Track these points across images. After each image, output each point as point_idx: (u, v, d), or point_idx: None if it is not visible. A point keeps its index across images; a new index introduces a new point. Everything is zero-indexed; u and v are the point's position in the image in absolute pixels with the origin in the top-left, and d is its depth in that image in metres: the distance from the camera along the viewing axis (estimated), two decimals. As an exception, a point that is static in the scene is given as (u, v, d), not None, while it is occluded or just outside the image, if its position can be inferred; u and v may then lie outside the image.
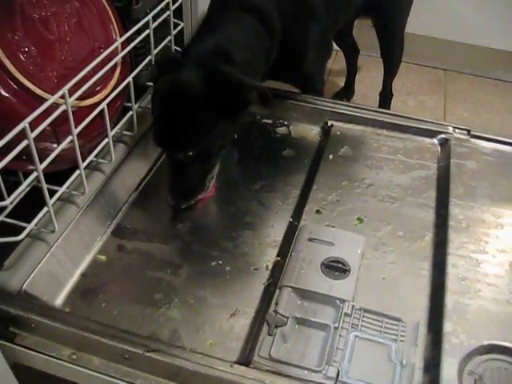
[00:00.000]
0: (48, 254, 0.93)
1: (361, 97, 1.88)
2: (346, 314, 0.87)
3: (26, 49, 0.86)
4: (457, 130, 1.23)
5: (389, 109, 1.69)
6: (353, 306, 0.89)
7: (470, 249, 0.98)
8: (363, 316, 0.88)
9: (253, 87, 1.03)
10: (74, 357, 0.83)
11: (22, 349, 0.84)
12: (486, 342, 0.84)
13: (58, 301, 0.92)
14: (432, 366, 0.82)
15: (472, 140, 1.22)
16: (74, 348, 0.83)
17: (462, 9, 1.88)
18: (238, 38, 1.09)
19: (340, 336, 0.85)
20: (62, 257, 0.95)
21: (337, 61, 2.06)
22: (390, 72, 1.65)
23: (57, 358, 0.83)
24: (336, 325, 0.86)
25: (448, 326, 0.86)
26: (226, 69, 1.00)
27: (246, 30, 1.11)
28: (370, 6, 1.48)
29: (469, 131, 1.23)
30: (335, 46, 1.87)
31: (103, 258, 0.99)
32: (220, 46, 1.04)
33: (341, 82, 1.92)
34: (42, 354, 0.83)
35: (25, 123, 0.77)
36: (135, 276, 0.97)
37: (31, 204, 0.91)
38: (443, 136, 1.24)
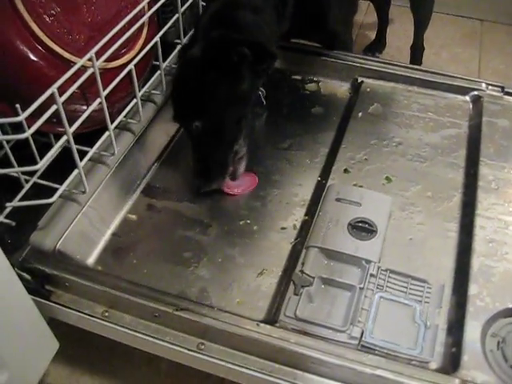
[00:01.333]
0: (80, 214, 0.95)
1: (393, 49, 1.83)
2: (371, 275, 0.88)
3: (53, 11, 0.86)
4: (490, 87, 1.21)
5: (420, 63, 1.64)
6: (378, 267, 0.90)
7: (498, 210, 0.98)
8: (389, 277, 0.89)
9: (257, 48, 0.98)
10: (107, 314, 0.86)
11: (58, 306, 0.88)
12: (510, 305, 0.84)
13: (91, 259, 0.95)
14: (456, 327, 0.83)
15: (506, 97, 1.20)
16: (107, 306, 0.87)
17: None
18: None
19: (365, 297, 0.86)
20: (94, 217, 0.97)
21: (368, 13, 2.01)
22: (420, 25, 1.60)
23: (90, 315, 0.87)
24: (361, 285, 0.87)
25: (473, 289, 0.86)
26: (220, 33, 0.98)
27: None
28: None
29: (503, 88, 1.20)
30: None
31: (134, 217, 1.02)
32: (225, 14, 1.02)
33: (372, 35, 1.87)
34: (77, 311, 0.87)
35: (53, 88, 0.78)
36: (165, 235, 0.99)
37: (63, 165, 0.93)
38: (476, 93, 1.21)
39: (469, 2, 1.98)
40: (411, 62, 1.66)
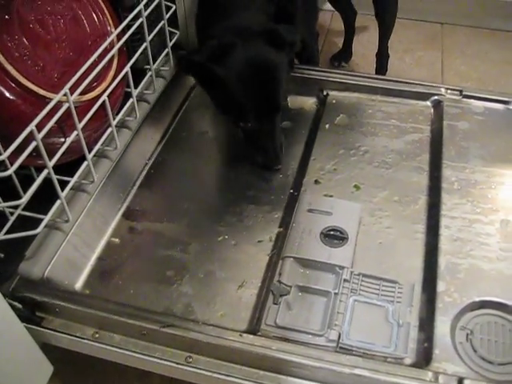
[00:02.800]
0: (65, 241, 0.99)
1: (359, 57, 1.89)
2: (345, 280, 0.94)
3: (26, 51, 0.90)
4: (449, 91, 1.27)
5: (386, 69, 1.71)
6: (351, 272, 0.95)
7: (462, 210, 1.04)
8: (361, 280, 0.95)
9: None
10: (97, 335, 0.90)
11: (49, 331, 0.92)
12: (477, 299, 0.90)
13: (78, 284, 0.99)
14: (426, 324, 0.89)
15: (464, 100, 1.25)
16: (96, 327, 0.91)
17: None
18: (252, 8, 1.14)
19: (340, 301, 0.91)
20: (79, 243, 1.01)
21: (334, 21, 2.08)
22: (385, 32, 1.65)
23: (81, 338, 0.90)
24: (336, 291, 0.92)
25: (441, 286, 0.92)
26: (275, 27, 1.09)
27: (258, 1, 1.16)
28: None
29: (461, 91, 1.26)
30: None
31: (116, 240, 1.06)
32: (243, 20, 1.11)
33: (339, 42, 1.94)
34: (68, 334, 0.91)
35: (32, 126, 0.82)
36: (147, 255, 1.03)
37: (45, 194, 0.96)
38: (436, 98, 1.27)
39: (428, 6, 2.04)
40: (377, 70, 1.71)
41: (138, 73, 1.22)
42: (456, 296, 0.91)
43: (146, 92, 1.23)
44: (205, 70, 1.07)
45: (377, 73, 1.71)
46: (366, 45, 1.91)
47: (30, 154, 0.86)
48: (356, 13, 1.80)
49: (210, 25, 1.14)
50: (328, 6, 1.91)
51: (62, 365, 1.02)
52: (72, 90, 0.91)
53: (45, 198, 0.97)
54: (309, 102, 1.31)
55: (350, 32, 1.86)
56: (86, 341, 0.90)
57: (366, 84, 1.31)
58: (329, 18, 2.11)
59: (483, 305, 0.90)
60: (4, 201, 0.90)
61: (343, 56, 1.89)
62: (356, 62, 1.89)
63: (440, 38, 1.99)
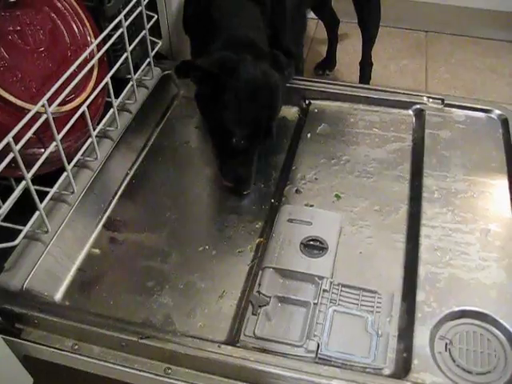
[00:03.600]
0: (45, 252, 0.99)
1: (343, 66, 1.90)
2: (324, 290, 0.94)
3: (4, 62, 0.90)
4: (431, 100, 1.28)
5: (369, 78, 1.72)
6: (331, 282, 0.95)
7: (442, 219, 1.04)
8: (341, 291, 0.95)
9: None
10: (76, 347, 0.89)
11: (29, 343, 0.91)
12: (456, 308, 0.90)
13: (58, 295, 0.98)
14: (406, 334, 0.89)
15: (446, 109, 1.26)
16: (76, 339, 0.90)
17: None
18: (253, 24, 1.17)
19: (319, 311, 0.91)
20: (58, 254, 1.01)
21: (318, 30, 2.08)
22: (368, 40, 1.66)
23: (60, 349, 0.90)
24: (315, 301, 0.92)
25: (420, 296, 0.92)
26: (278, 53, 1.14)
27: (254, 15, 1.18)
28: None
29: (443, 100, 1.27)
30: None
31: (97, 251, 1.05)
32: (246, 37, 1.14)
33: (323, 51, 1.94)
34: (47, 346, 0.90)
35: (8, 138, 0.81)
36: (128, 266, 1.03)
37: (25, 205, 0.96)
38: (418, 106, 1.28)
39: (413, 14, 2.06)
40: (360, 78, 1.73)
41: (120, 82, 1.22)
42: (435, 306, 0.91)
43: (127, 102, 1.23)
44: (211, 79, 1.07)
45: (360, 81, 1.73)
46: (350, 53, 1.92)
47: (9, 165, 0.86)
48: (339, 21, 1.81)
49: (209, 39, 1.15)
50: (312, 14, 1.92)
51: (44, 374, 1.02)
52: (51, 100, 0.91)
53: (26, 208, 0.97)
54: (291, 111, 1.32)
55: (333, 41, 1.87)
56: (65, 352, 0.90)
57: (348, 93, 1.31)
58: (313, 26, 2.12)
59: (462, 314, 0.90)
60: (-16, 212, 0.90)
61: (327, 65, 1.90)
62: (340, 70, 1.90)
63: (424, 46, 2.00)
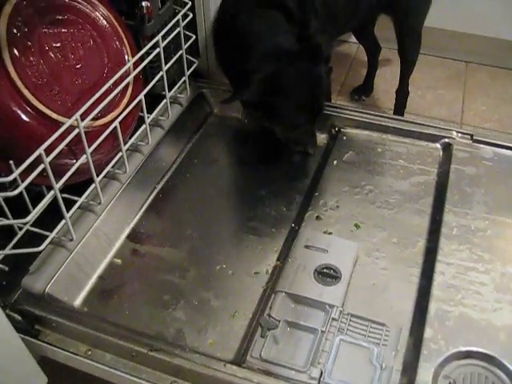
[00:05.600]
0: (68, 259, 1.03)
1: (379, 92, 1.90)
2: (333, 319, 0.95)
3: (43, 76, 0.95)
4: (460, 135, 1.28)
5: (405, 106, 1.72)
6: (340, 312, 0.96)
7: (458, 256, 1.04)
8: (350, 320, 0.96)
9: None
10: (90, 353, 0.93)
11: (45, 344, 0.95)
12: (463, 348, 0.90)
13: (78, 301, 1.02)
14: (410, 369, 0.89)
15: (474, 145, 1.26)
16: (90, 345, 0.94)
17: (482, 1, 1.88)
18: (281, 31, 1.19)
19: (326, 339, 0.93)
20: (82, 261, 1.05)
21: (359, 54, 2.10)
22: (406, 69, 1.66)
23: (74, 354, 0.94)
24: (323, 328, 0.94)
25: (428, 332, 0.92)
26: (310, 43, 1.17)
27: (280, 23, 1.20)
28: (385, 3, 1.51)
29: (472, 136, 1.26)
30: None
31: (119, 261, 1.09)
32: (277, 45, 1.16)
33: (360, 75, 1.95)
34: (62, 349, 0.95)
35: (40, 150, 0.86)
36: (147, 278, 1.06)
37: (55, 212, 1.01)
38: (446, 140, 1.28)
39: (454, 44, 2.04)
40: (396, 106, 1.72)
41: (156, 98, 1.26)
42: (442, 343, 0.91)
43: (160, 118, 1.27)
44: (260, 104, 1.15)
45: (395, 109, 1.73)
46: (387, 80, 1.93)
47: (41, 174, 0.91)
48: (380, 48, 1.82)
49: (242, 57, 1.16)
50: (353, 38, 1.93)
51: (59, 375, 1.06)
52: (85, 115, 0.95)
53: (55, 215, 1.01)
54: (320, 137, 1.33)
55: (372, 67, 1.87)
56: (78, 357, 0.94)
57: (378, 123, 1.33)
58: (354, 50, 2.13)
59: (469, 355, 0.90)
60: (17, 216, 0.95)
61: (364, 90, 1.91)
62: (376, 96, 1.91)
63: (463, 77, 1.99)
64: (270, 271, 1.06)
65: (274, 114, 1.17)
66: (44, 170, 0.90)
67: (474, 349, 0.90)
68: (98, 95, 0.97)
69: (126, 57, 1.10)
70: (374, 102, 1.88)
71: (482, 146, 1.26)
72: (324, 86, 1.20)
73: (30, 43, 0.95)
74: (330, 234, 1.11)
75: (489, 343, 0.91)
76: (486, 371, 0.89)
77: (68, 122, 0.92)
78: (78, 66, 1.02)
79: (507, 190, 1.17)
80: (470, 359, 0.90)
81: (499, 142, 1.26)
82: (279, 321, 0.95)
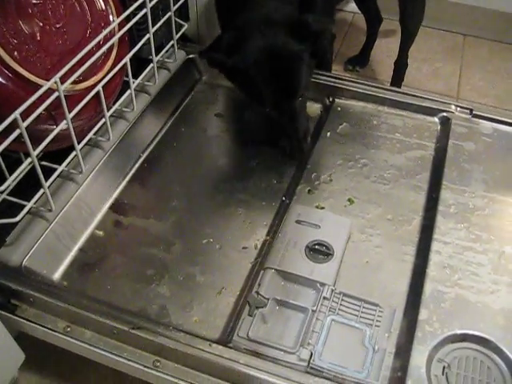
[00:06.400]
0: (47, 230, 0.98)
1: (375, 63, 1.84)
2: (324, 298, 0.91)
3: (22, 37, 0.89)
4: (459, 109, 1.23)
5: (402, 79, 1.67)
6: (332, 290, 0.92)
7: (455, 235, 1.00)
8: (342, 300, 0.92)
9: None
10: (69, 329, 0.89)
11: (22, 320, 0.91)
12: (458, 331, 0.87)
13: (57, 275, 0.98)
14: (403, 352, 0.86)
15: (474, 119, 1.22)
16: (69, 321, 0.90)
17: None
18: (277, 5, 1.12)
19: (317, 319, 0.89)
20: (61, 233, 1.00)
21: (354, 23, 2.04)
22: (406, 40, 1.60)
23: (53, 330, 0.89)
24: (314, 308, 0.90)
25: (423, 314, 0.89)
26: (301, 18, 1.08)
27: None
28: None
29: (471, 110, 1.22)
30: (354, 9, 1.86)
31: (101, 233, 1.05)
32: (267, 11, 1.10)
33: (357, 45, 1.88)
34: (40, 325, 0.90)
35: (16, 114, 0.80)
36: (130, 252, 1.02)
37: (34, 180, 0.96)
38: (445, 114, 1.24)
39: (452, 16, 1.98)
40: (393, 78, 1.67)
41: (143, 63, 1.20)
42: (437, 326, 0.87)
43: (147, 83, 1.21)
44: (223, 63, 1.07)
45: (393, 81, 1.67)
46: (383, 51, 1.87)
47: (18, 140, 0.85)
48: (381, 20, 1.75)
49: (234, 15, 1.12)
50: (350, 7, 1.86)
51: (37, 351, 1.02)
52: (65, 78, 0.89)
53: (36, 185, 0.95)
54: (313, 108, 1.28)
55: (371, 38, 1.81)
56: (57, 334, 0.89)
57: (374, 94, 1.28)
58: (350, 18, 2.06)
59: (464, 338, 0.87)
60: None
61: (359, 61, 1.84)
62: (372, 68, 1.85)
63: (461, 50, 1.93)
64: (259, 246, 1.02)
65: (235, 80, 1.12)
66: (21, 135, 0.84)
67: (470, 332, 0.87)
68: (79, 57, 0.91)
69: (111, 17, 1.03)
70: (369, 74, 1.82)
71: (481, 121, 1.22)
72: (299, 67, 1.08)
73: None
74: (323, 208, 1.06)
75: (485, 326, 0.88)
76: (481, 355, 0.86)
77: (47, 85, 0.86)
78: (58, 26, 0.95)
79: (507, 168, 1.13)
80: (466, 343, 0.87)
81: (499, 118, 1.22)
82: (268, 299, 0.91)
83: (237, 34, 1.06)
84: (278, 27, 1.06)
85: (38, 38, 0.92)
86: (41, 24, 0.92)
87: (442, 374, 0.83)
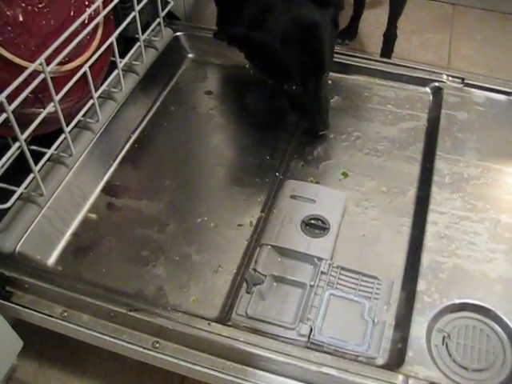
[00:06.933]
0: (39, 215, 0.96)
1: (364, 36, 1.82)
2: (322, 273, 0.91)
3: (4, 18, 0.86)
4: (450, 78, 1.22)
5: (392, 50, 1.65)
6: (330, 265, 0.92)
7: (451, 205, 1.00)
8: (340, 274, 0.92)
9: None
10: (65, 314, 0.88)
11: (18, 307, 0.90)
12: (457, 301, 0.87)
13: (51, 260, 0.97)
14: (403, 323, 0.86)
15: (466, 89, 1.21)
16: (65, 306, 0.89)
17: None
18: None
19: (315, 294, 0.88)
20: (54, 217, 0.99)
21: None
22: (395, 11, 1.58)
23: (49, 316, 0.89)
24: (312, 283, 0.89)
25: (421, 285, 0.89)
26: None
27: None
28: None
29: (463, 79, 1.21)
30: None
31: (94, 216, 1.03)
32: None
33: (344, 18, 1.85)
34: (37, 311, 0.89)
35: (1, 98, 0.78)
36: (124, 234, 1.01)
37: (24, 165, 0.94)
38: (436, 84, 1.23)
39: (441, -16, 1.97)
40: (383, 50, 1.66)
41: (130, 42, 1.18)
42: (436, 296, 0.87)
43: (134, 63, 1.19)
44: (247, 38, 1.06)
45: (382, 53, 1.66)
46: (371, 23, 1.85)
47: (5, 124, 0.83)
48: (368, -8, 1.74)
49: None
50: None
51: (35, 337, 1.02)
52: (50, 59, 0.87)
53: (26, 169, 0.94)
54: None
55: (358, 10, 1.79)
56: (54, 319, 0.89)
57: (365, 66, 1.27)
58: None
59: (463, 307, 0.87)
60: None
61: (348, 34, 1.82)
62: (361, 40, 1.83)
63: (450, 20, 1.91)
64: (254, 223, 1.01)
65: (257, 57, 1.09)
66: (8, 119, 0.83)
67: (469, 301, 0.87)
68: (64, 37, 0.89)
69: (95, -6, 1.01)
70: (358, 46, 1.81)
71: (473, 90, 1.21)
72: (327, 41, 1.06)
73: (-14, -19, 0.86)
74: (317, 183, 1.06)
75: (484, 295, 0.88)
76: (480, 324, 0.86)
77: (32, 67, 0.84)
78: (40, 6, 0.92)
79: (500, 136, 1.12)
80: (465, 312, 0.87)
81: (491, 86, 1.21)
82: (265, 275, 0.90)
83: (258, 6, 1.04)
84: None
85: (21, 19, 0.89)
86: (23, 5, 0.89)
87: (442, 343, 0.83)
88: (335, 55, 1.26)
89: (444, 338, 0.84)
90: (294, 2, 1.04)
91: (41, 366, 1.07)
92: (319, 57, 1.05)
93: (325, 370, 0.78)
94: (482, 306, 0.87)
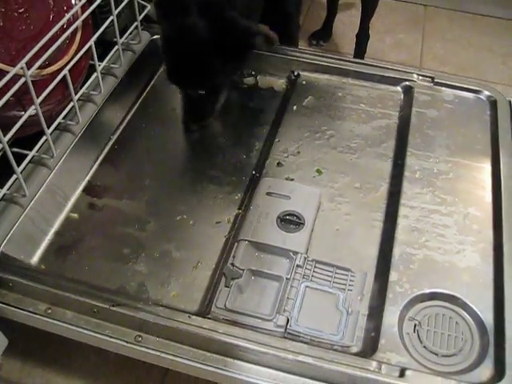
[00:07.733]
0: (22, 216, 0.98)
1: (339, 37, 1.87)
2: (298, 266, 0.94)
3: (-16, 23, 0.89)
4: (421, 77, 1.26)
5: (365, 51, 1.69)
6: (305, 258, 0.95)
7: (421, 199, 1.04)
8: (315, 267, 0.95)
9: (259, 33, 1.09)
10: (50, 311, 0.90)
11: (3, 305, 0.91)
12: (427, 290, 0.91)
13: (34, 259, 0.99)
14: (376, 313, 0.89)
15: (435, 87, 1.25)
16: (49, 303, 0.90)
17: None
18: None
19: (291, 286, 0.91)
20: (36, 218, 1.01)
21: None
22: (367, 12, 1.63)
23: (34, 313, 0.90)
24: (288, 276, 0.92)
25: (393, 276, 0.92)
26: (231, 14, 1.06)
27: None
28: None
29: (433, 78, 1.25)
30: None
31: (75, 215, 1.05)
32: None
33: (319, 20, 1.90)
34: (21, 309, 0.91)
35: (-19, 101, 0.81)
36: (105, 232, 1.03)
37: (4, 168, 0.96)
38: (407, 83, 1.26)
39: (412, -13, 2.02)
40: (356, 51, 1.70)
41: (108, 45, 1.20)
42: (407, 286, 0.91)
43: (113, 66, 1.22)
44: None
45: (355, 54, 1.70)
46: (345, 24, 1.89)
47: (-12, 126, 0.86)
48: (341, -6, 1.78)
49: None
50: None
51: (20, 336, 1.03)
52: (31, 63, 0.89)
53: (8, 171, 0.96)
54: (279, 82, 1.30)
55: (332, 12, 1.83)
56: (38, 316, 0.90)
57: (338, 66, 1.30)
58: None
59: (433, 296, 0.91)
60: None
61: (322, 35, 1.86)
62: (335, 41, 1.87)
63: (422, 21, 1.97)
64: (231, 220, 1.04)
65: None
66: (-9, 123, 0.85)
67: (438, 290, 0.91)
68: (43, 41, 0.91)
69: (73, 0, 1.03)
70: (333, 47, 1.85)
71: (443, 88, 1.25)
72: (199, 54, 1.07)
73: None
74: (292, 180, 1.09)
75: (453, 284, 0.91)
76: (450, 312, 0.89)
77: (13, 71, 0.86)
78: (20, 11, 0.95)
79: (468, 133, 1.16)
80: (435, 301, 0.91)
81: (460, 85, 1.25)
82: (243, 270, 0.93)
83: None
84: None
85: (1, 24, 0.92)
86: (2, 9, 0.92)
87: (414, 331, 0.87)
88: (309, 56, 1.33)
89: (415, 325, 0.88)
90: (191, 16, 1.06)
91: (25, 364, 1.09)
92: (188, 70, 1.10)
93: (301, 358, 0.81)
94: (451, 295, 0.90)
